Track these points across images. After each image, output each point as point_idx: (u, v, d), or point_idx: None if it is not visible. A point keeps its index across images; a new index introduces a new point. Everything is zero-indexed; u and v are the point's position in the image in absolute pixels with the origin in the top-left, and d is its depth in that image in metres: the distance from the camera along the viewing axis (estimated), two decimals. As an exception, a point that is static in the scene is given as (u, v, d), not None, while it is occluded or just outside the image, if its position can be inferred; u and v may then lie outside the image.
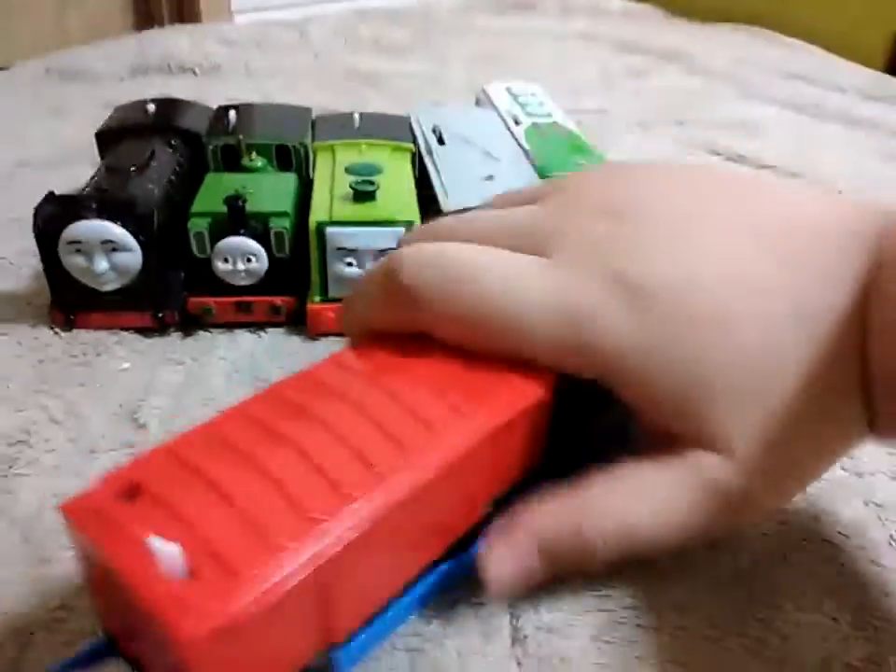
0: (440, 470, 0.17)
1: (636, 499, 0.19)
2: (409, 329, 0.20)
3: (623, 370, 0.19)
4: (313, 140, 0.37)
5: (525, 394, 0.19)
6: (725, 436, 0.18)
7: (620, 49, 0.72)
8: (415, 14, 0.77)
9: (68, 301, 0.30)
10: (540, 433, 0.20)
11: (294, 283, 0.31)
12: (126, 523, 0.15)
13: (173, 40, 0.64)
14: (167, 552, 0.15)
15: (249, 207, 0.29)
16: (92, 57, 0.62)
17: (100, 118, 0.39)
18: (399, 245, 0.24)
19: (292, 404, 0.18)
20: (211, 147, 0.35)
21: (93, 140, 0.37)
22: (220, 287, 0.30)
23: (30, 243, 0.28)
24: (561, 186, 0.23)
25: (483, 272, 0.20)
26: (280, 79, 0.61)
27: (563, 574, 0.19)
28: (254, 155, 0.35)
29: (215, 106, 0.39)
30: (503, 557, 0.18)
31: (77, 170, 0.39)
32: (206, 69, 0.62)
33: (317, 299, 0.30)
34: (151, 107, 0.38)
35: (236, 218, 0.29)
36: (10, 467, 0.24)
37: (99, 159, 0.37)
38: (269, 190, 0.31)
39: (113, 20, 0.71)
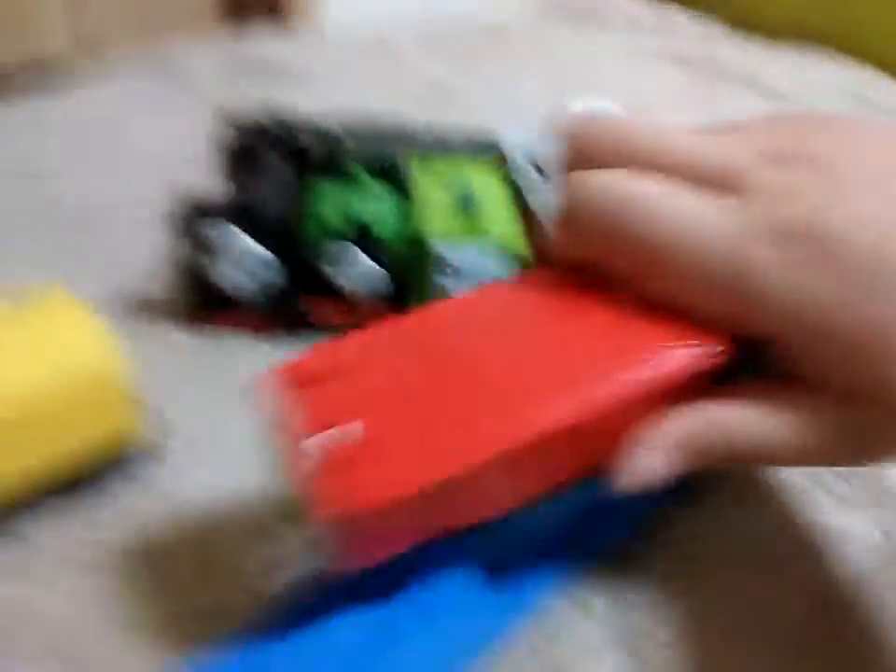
0: (609, 405, 0.18)
1: (766, 422, 0.20)
2: (588, 260, 0.22)
3: (794, 327, 0.19)
4: (409, 153, 0.40)
5: (701, 349, 0.20)
6: (888, 390, 0.19)
7: (688, 67, 0.74)
8: (491, 26, 0.80)
9: (198, 301, 0.33)
10: (701, 391, 0.20)
11: (396, 291, 0.34)
12: (311, 397, 0.17)
13: (263, 41, 0.68)
14: (341, 430, 0.17)
15: (360, 218, 0.33)
16: (188, 53, 0.66)
17: (198, 115, 0.42)
18: (575, 125, 0.23)
19: (474, 315, 0.20)
20: (318, 158, 0.38)
21: (192, 137, 0.40)
22: (328, 290, 0.34)
23: (152, 240, 0.32)
24: (768, 124, 0.22)
25: (659, 209, 0.20)
26: (362, 86, 0.64)
27: (693, 469, 0.20)
28: (358, 167, 0.38)
29: (304, 111, 0.43)
30: (642, 452, 0.20)
31: (182, 167, 0.43)
32: (294, 73, 0.65)
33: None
34: (265, 118, 0.41)
35: (348, 228, 0.33)
36: (156, 455, 0.27)
37: (206, 158, 0.40)
38: (377, 202, 0.35)
39: (203, 10, 0.75)
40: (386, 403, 0.17)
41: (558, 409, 0.18)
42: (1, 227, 0.42)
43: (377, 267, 0.33)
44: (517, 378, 0.18)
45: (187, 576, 0.23)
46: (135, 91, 0.61)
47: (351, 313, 0.34)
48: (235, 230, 0.32)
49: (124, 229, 0.42)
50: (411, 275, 0.33)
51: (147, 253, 0.38)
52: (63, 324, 0.25)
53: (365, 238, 0.32)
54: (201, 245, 0.32)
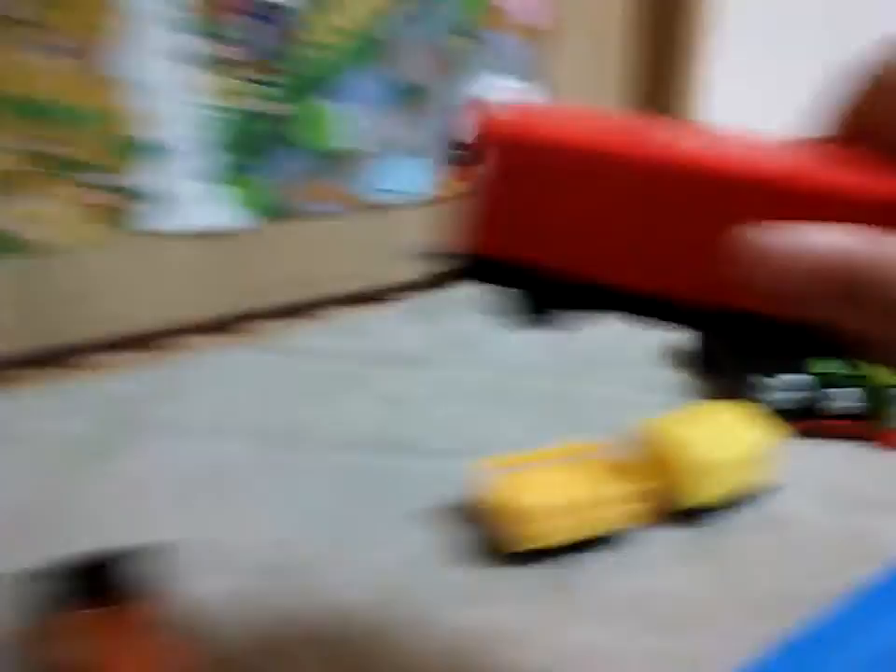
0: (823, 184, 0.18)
1: None
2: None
3: None
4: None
5: None
6: None
7: None
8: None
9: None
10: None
11: (873, 412, 0.51)
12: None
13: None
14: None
15: (850, 370, 0.51)
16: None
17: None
18: None
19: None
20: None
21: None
22: (821, 413, 0.52)
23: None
24: None
25: None
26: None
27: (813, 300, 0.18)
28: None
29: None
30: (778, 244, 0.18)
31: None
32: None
33: (893, 425, 0.51)
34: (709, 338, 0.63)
35: (841, 376, 0.51)
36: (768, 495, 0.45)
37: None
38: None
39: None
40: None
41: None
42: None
43: (854, 395, 0.51)
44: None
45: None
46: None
47: (834, 426, 0.51)
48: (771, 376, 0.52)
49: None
50: (874, 402, 0.51)
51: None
52: (741, 418, 0.46)
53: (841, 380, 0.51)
54: (754, 387, 0.52)
